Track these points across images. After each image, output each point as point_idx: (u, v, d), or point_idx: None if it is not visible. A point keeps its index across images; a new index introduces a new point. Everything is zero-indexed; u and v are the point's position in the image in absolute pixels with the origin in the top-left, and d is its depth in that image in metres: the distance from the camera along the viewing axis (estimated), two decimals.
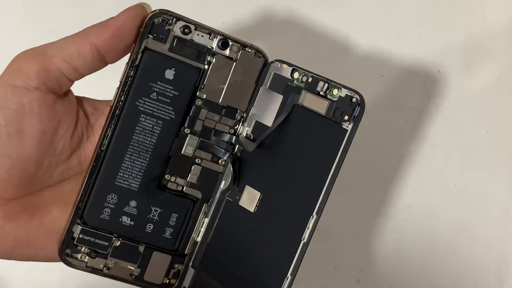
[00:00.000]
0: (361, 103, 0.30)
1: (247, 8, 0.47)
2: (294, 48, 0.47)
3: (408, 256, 0.47)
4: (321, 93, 0.31)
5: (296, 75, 0.31)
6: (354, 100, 0.30)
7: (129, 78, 0.30)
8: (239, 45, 0.31)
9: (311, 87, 0.31)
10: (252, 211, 0.32)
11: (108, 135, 0.30)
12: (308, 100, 0.31)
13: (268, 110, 0.32)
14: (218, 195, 0.33)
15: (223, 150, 0.32)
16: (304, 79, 0.31)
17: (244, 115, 0.32)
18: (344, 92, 0.30)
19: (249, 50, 0.31)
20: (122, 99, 0.30)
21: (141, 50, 0.30)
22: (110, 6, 0.46)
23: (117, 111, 0.30)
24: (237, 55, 0.31)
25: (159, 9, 0.30)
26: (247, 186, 0.32)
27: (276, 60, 0.32)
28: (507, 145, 0.48)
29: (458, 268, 0.47)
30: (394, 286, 0.47)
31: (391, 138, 0.47)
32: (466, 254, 0.47)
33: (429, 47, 0.48)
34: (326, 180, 0.30)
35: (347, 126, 0.30)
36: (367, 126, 0.47)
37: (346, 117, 0.30)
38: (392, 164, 0.47)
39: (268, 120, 0.32)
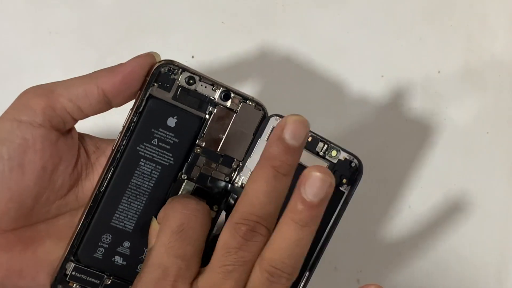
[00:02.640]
0: (360, 169, 0.31)
1: (247, 8, 0.47)
2: (294, 48, 0.47)
3: (408, 256, 0.47)
4: (320, 153, 0.32)
5: None
6: (353, 164, 0.31)
7: (132, 124, 0.31)
8: (241, 97, 0.32)
9: (310, 147, 0.32)
10: None
11: (107, 177, 0.31)
12: (307, 160, 0.32)
13: None
14: (209, 241, 0.33)
15: (217, 197, 0.33)
16: None
17: (241, 164, 0.33)
18: (343, 155, 0.32)
19: (250, 103, 0.32)
20: (124, 143, 0.31)
21: (146, 97, 0.31)
22: (110, 6, 0.46)
23: (118, 155, 0.31)
24: (238, 107, 0.32)
25: (165, 60, 0.31)
26: None
27: (275, 115, 0.32)
28: (507, 145, 0.48)
29: (458, 268, 0.47)
30: (394, 286, 0.47)
31: (391, 138, 0.47)
32: (466, 254, 0.47)
33: (429, 47, 0.48)
34: (321, 239, 0.32)
35: (345, 189, 0.32)
36: (367, 126, 0.47)
37: (344, 181, 0.31)
38: (392, 164, 0.47)
39: None
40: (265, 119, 0.33)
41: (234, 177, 0.33)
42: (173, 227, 0.29)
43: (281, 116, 0.32)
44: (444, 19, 0.48)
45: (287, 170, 0.27)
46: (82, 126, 0.32)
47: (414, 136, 0.47)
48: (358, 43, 0.47)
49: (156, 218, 0.31)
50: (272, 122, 0.32)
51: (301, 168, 0.31)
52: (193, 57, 0.46)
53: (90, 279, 0.32)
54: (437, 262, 0.47)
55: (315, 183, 0.26)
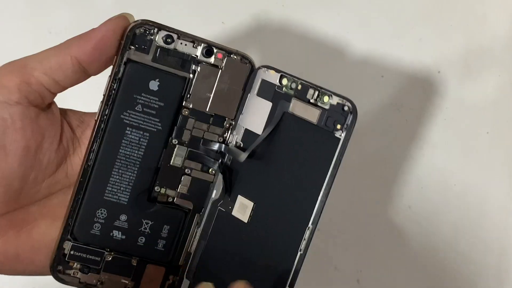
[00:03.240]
0: (353, 111, 0.29)
1: (247, 8, 0.47)
2: (294, 48, 0.47)
3: (408, 256, 0.47)
4: (312, 100, 0.30)
5: (284, 81, 0.31)
6: (346, 108, 0.29)
7: (113, 91, 0.29)
8: (224, 52, 0.31)
9: (301, 95, 0.30)
10: (246, 221, 0.31)
11: (94, 149, 0.30)
12: (298, 109, 0.30)
13: (257, 118, 0.32)
14: (209, 205, 0.33)
15: (212, 160, 0.32)
16: (293, 85, 0.31)
17: (233, 123, 0.32)
18: (335, 100, 0.30)
19: (235, 57, 0.31)
20: (106, 112, 0.30)
21: (123, 62, 0.29)
22: (110, 6, 0.46)
23: (102, 125, 0.30)
24: (223, 62, 0.31)
25: (140, 20, 0.29)
26: (239, 196, 0.32)
27: (263, 66, 0.31)
28: (507, 145, 0.48)
29: (458, 268, 0.47)
30: (394, 286, 0.47)
31: (391, 138, 0.47)
32: (466, 254, 0.47)
33: (429, 47, 0.48)
34: (321, 190, 0.30)
35: (340, 135, 0.30)
36: (367, 126, 0.47)
37: (338, 126, 0.29)
38: (392, 164, 0.47)
39: (258, 128, 0.32)
40: (253, 72, 0.31)
41: (227, 137, 0.32)
42: None
43: (270, 68, 0.31)
44: (444, 19, 0.48)
45: None
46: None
47: (414, 136, 0.47)
48: (358, 43, 0.47)
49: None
50: (261, 74, 0.31)
51: (304, 123, 0.30)
52: None
53: (90, 256, 0.31)
54: (437, 262, 0.47)
55: None
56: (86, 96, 0.35)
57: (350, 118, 0.29)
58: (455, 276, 0.47)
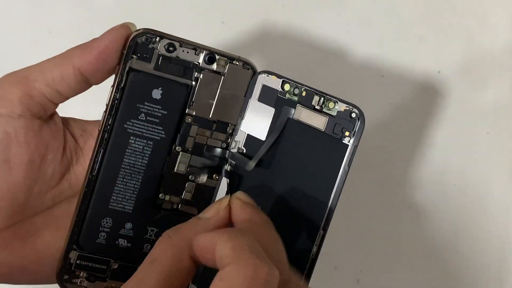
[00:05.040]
0: (361, 118, 0.29)
1: (247, 8, 0.47)
2: (293, 48, 0.47)
3: (408, 256, 0.47)
4: (317, 107, 0.30)
5: (286, 87, 0.31)
6: (353, 115, 0.30)
7: (116, 101, 0.29)
8: (226, 58, 0.31)
9: (306, 101, 0.30)
10: None
11: (98, 160, 0.30)
12: (304, 115, 0.30)
13: (259, 124, 0.31)
14: None
15: (216, 166, 0.32)
16: (296, 91, 0.31)
17: (235, 128, 0.32)
18: (342, 106, 0.30)
19: (237, 63, 0.31)
20: (109, 122, 0.30)
21: (125, 71, 0.29)
22: (110, 6, 0.46)
23: (106, 135, 0.30)
24: (225, 68, 0.31)
25: (141, 29, 0.29)
26: None
27: (264, 71, 0.31)
28: (507, 145, 0.48)
29: (458, 268, 0.47)
30: (394, 286, 0.47)
31: (391, 138, 0.47)
32: (466, 254, 0.47)
33: (429, 48, 0.48)
34: (331, 196, 0.30)
35: (348, 141, 0.30)
36: (367, 126, 0.47)
37: (347, 133, 0.30)
38: (392, 164, 0.47)
39: (261, 133, 0.31)
40: (253, 77, 0.31)
41: (231, 143, 0.32)
42: (260, 279, 0.22)
43: (271, 73, 0.31)
44: (444, 19, 0.48)
45: None
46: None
47: (414, 136, 0.47)
48: (358, 43, 0.47)
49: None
50: (262, 80, 0.31)
51: (310, 130, 0.30)
52: None
53: (96, 265, 0.31)
54: (437, 262, 0.47)
55: None
56: (82, 101, 0.35)
57: (358, 124, 0.29)
58: (455, 276, 0.47)
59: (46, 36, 0.45)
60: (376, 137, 0.47)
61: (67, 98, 0.29)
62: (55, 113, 0.30)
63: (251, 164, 0.31)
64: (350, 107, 0.30)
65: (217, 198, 0.32)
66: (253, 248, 0.23)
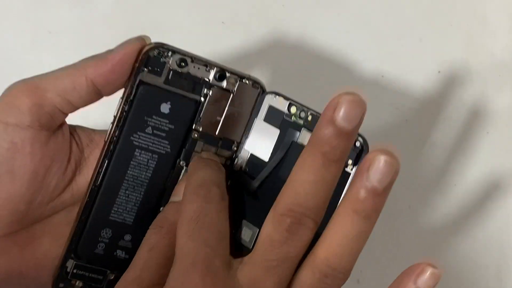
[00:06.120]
0: (365, 147, 0.29)
1: (247, 8, 0.47)
2: (293, 48, 0.47)
3: (408, 256, 0.47)
4: None
5: (293, 110, 0.30)
6: (357, 144, 0.29)
7: (124, 113, 0.29)
8: (237, 76, 0.30)
9: (311, 126, 0.30)
10: (250, 247, 0.30)
11: (102, 170, 0.30)
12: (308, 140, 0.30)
13: (263, 144, 0.31)
14: None
15: None
16: (302, 115, 0.30)
17: (239, 146, 0.31)
18: None
19: (247, 82, 0.31)
20: (116, 134, 0.29)
21: (136, 84, 0.29)
22: (110, 6, 0.46)
23: (112, 146, 0.29)
24: (234, 86, 0.31)
25: (154, 43, 0.29)
26: (244, 221, 0.31)
27: (272, 92, 0.31)
28: (507, 145, 0.48)
29: (458, 268, 0.47)
30: None
31: (391, 138, 0.47)
32: (466, 254, 0.47)
33: (429, 47, 0.48)
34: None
35: (351, 170, 0.29)
36: (367, 126, 0.47)
37: (350, 162, 0.29)
38: None
39: (264, 154, 0.31)
40: (260, 96, 0.31)
41: (234, 160, 0.31)
42: (189, 216, 0.26)
43: (278, 94, 0.31)
44: (444, 19, 0.48)
45: (339, 157, 0.24)
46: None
47: (415, 136, 0.47)
48: (358, 43, 0.47)
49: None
50: (269, 100, 0.31)
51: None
52: None
53: (93, 275, 0.31)
54: (437, 262, 0.47)
55: (381, 168, 0.24)
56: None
57: (361, 154, 0.29)
58: (455, 276, 0.47)
59: (46, 36, 0.45)
60: (376, 137, 0.47)
61: (77, 108, 0.29)
62: (63, 123, 0.30)
63: (254, 184, 0.31)
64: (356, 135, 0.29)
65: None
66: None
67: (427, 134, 0.47)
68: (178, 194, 0.29)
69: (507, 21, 0.49)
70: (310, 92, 0.47)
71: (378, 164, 0.24)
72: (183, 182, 0.30)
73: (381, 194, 0.24)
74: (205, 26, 0.47)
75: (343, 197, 0.25)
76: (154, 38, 0.46)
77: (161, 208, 0.31)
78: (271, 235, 0.25)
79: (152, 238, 0.27)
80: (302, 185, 0.25)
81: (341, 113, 0.23)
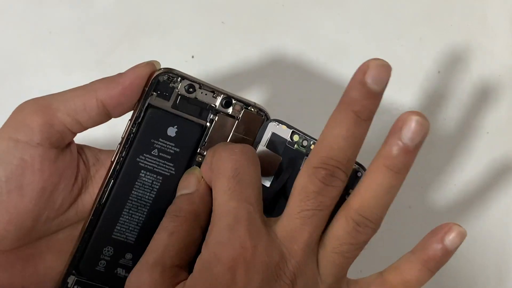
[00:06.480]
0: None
1: (247, 8, 0.47)
2: (293, 48, 0.47)
3: None
4: None
5: (296, 138, 0.31)
6: (359, 174, 0.30)
7: (131, 135, 0.30)
8: (242, 104, 0.31)
9: None
10: None
11: (107, 190, 0.30)
12: None
13: (265, 170, 0.32)
14: None
15: None
16: (305, 143, 0.31)
17: None
18: None
19: (252, 109, 0.32)
20: (123, 155, 0.30)
21: (144, 107, 0.30)
22: (110, 6, 0.46)
23: (118, 167, 0.30)
24: (240, 113, 0.32)
25: (164, 68, 0.30)
26: None
27: (275, 120, 0.31)
28: (507, 145, 0.48)
29: (458, 268, 0.47)
30: None
31: None
32: (466, 254, 0.47)
33: (429, 47, 0.48)
34: None
35: None
36: None
37: (350, 191, 0.30)
38: None
39: (265, 180, 0.32)
40: (263, 123, 0.32)
41: None
42: (228, 173, 0.28)
43: (280, 122, 0.32)
44: (444, 19, 0.48)
45: (368, 116, 0.27)
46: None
47: None
48: (358, 43, 0.47)
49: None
50: (271, 127, 0.31)
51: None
52: (193, 57, 0.46)
53: None
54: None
55: (413, 127, 0.25)
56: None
57: None
58: (455, 276, 0.47)
59: (46, 36, 0.45)
60: (376, 137, 0.47)
61: (86, 128, 0.30)
62: (72, 142, 0.31)
63: None
64: (357, 166, 0.30)
65: None
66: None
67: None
68: (187, 187, 0.30)
69: (507, 21, 0.49)
70: (311, 92, 0.47)
71: (410, 124, 0.26)
72: (188, 174, 0.31)
73: (412, 152, 0.26)
74: (205, 26, 0.47)
75: (377, 154, 0.27)
76: (154, 38, 0.46)
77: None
78: (306, 186, 0.27)
79: (171, 225, 0.29)
80: (335, 139, 0.27)
81: (371, 76, 0.26)
